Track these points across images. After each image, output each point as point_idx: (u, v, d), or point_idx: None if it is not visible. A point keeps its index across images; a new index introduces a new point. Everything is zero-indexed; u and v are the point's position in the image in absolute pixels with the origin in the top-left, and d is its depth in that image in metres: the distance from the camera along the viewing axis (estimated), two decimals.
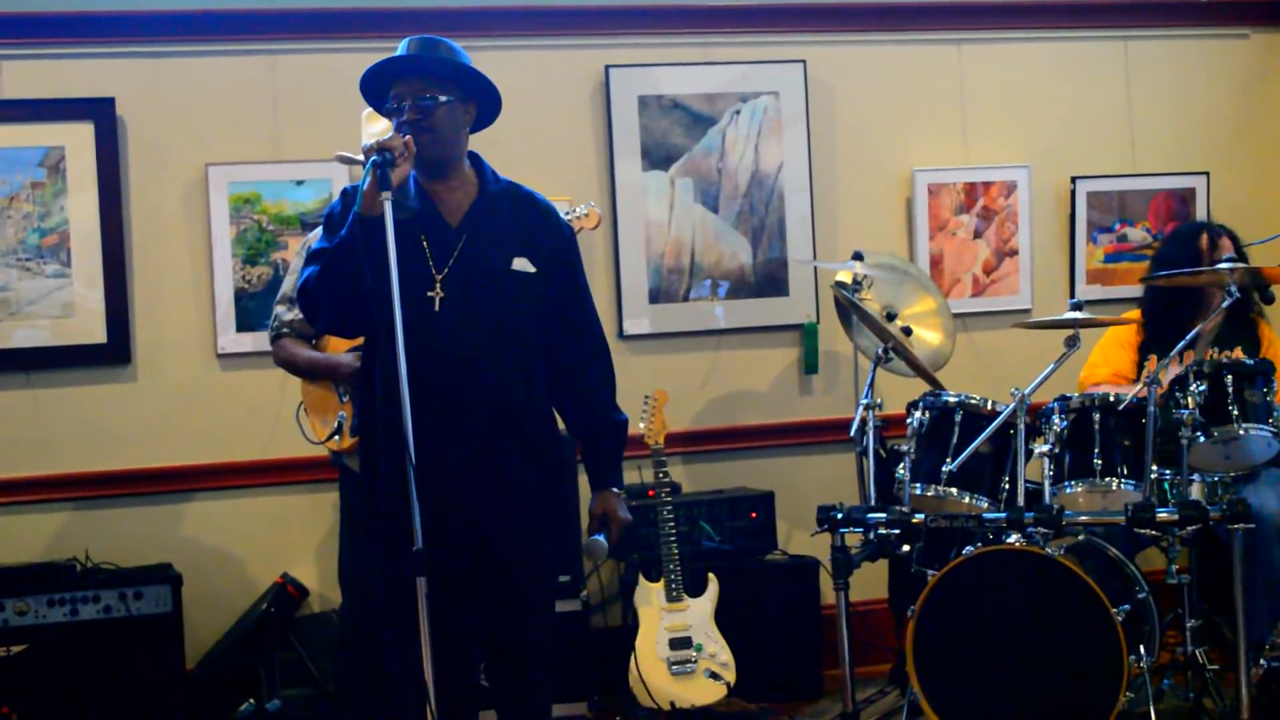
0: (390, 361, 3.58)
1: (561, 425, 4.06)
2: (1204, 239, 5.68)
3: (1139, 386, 5.00)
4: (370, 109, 4.79)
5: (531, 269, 3.86)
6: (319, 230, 4.87)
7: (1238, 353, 5.43)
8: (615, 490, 4.05)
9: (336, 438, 4.70)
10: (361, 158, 4.76)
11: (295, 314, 4.81)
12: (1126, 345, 5.75)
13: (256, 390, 5.78)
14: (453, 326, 3.78)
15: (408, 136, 3.71)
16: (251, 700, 5.49)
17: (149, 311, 5.84)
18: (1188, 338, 5.09)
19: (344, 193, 3.91)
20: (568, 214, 5.23)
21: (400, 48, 3.86)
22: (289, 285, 4.87)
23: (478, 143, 3.99)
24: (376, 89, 3.88)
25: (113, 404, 5.81)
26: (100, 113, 5.76)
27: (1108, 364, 5.72)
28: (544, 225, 3.95)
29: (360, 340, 4.52)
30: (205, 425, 5.86)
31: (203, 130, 5.87)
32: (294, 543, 5.88)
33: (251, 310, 5.81)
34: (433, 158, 3.81)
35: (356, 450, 4.62)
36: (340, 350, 4.78)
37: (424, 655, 3.57)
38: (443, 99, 3.79)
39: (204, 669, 5.65)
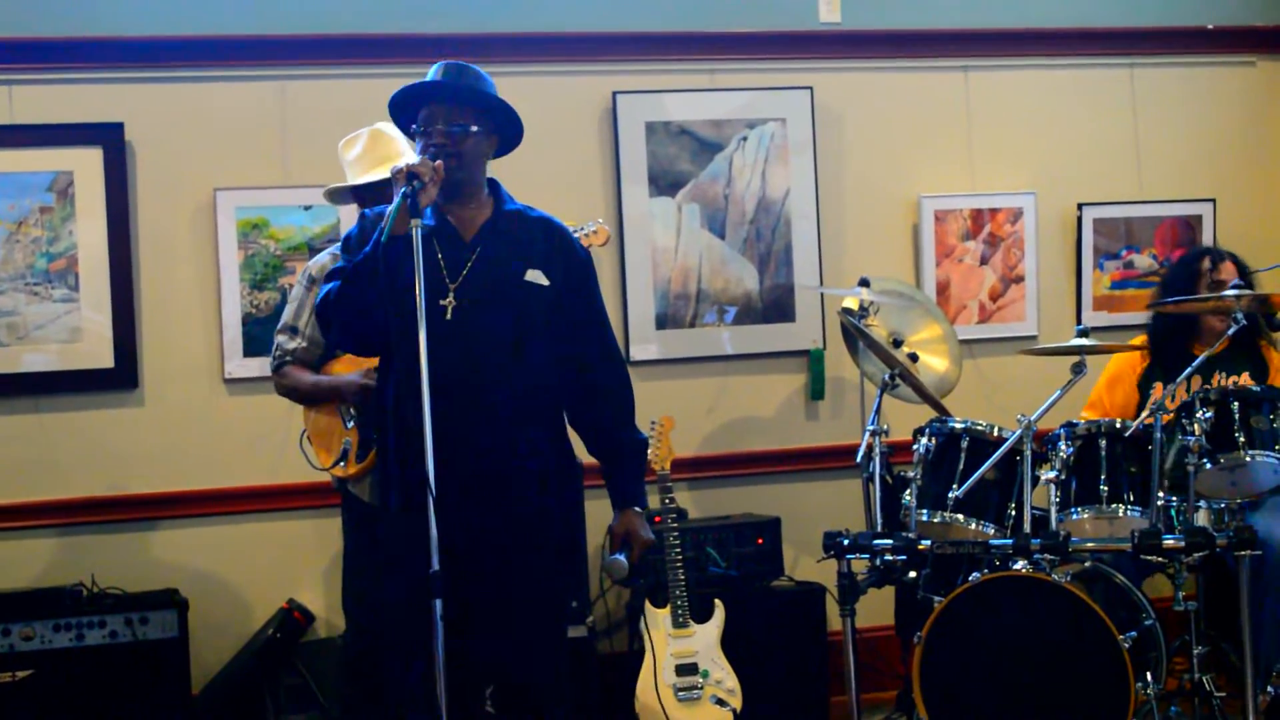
0: (405, 378, 3.60)
1: (578, 446, 4.08)
2: (1205, 262, 5.72)
3: (1145, 414, 5.00)
4: (346, 138, 4.85)
5: (545, 281, 3.90)
6: (319, 258, 4.92)
7: (1244, 378, 5.45)
8: (637, 510, 4.06)
9: (342, 464, 4.70)
10: (350, 185, 4.82)
11: (297, 342, 4.82)
12: (1125, 379, 5.75)
13: (263, 415, 5.78)
14: (464, 334, 3.81)
15: (437, 162, 3.74)
16: None
17: (156, 336, 5.85)
18: (1194, 364, 5.09)
19: (363, 215, 3.98)
20: (576, 232, 5.24)
21: (432, 72, 3.91)
22: (289, 314, 4.88)
23: (490, 167, 4.02)
24: (404, 111, 3.91)
25: (119, 429, 5.81)
26: (109, 137, 5.77)
27: (1109, 397, 5.72)
28: (559, 245, 4.00)
29: (365, 363, 4.54)
30: (212, 450, 5.87)
31: (211, 155, 5.89)
32: (300, 568, 5.88)
33: (259, 335, 5.81)
34: (456, 182, 3.85)
35: (360, 477, 4.65)
36: (344, 373, 4.79)
37: (439, 678, 3.56)
38: (473, 128, 3.85)
39: (210, 694, 5.64)
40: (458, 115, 3.84)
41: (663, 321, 6.22)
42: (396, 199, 3.67)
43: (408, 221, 3.65)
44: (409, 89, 3.88)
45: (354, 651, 4.84)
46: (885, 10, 6.46)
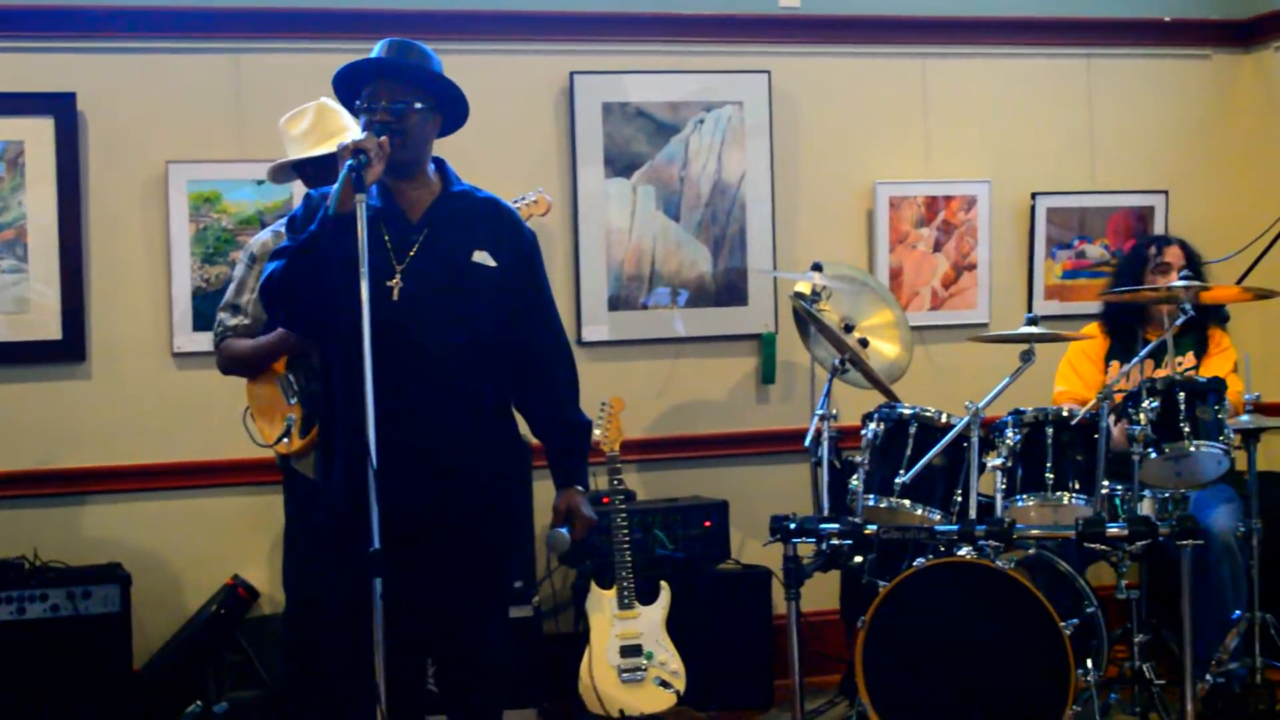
0: (353, 358, 3.59)
1: (524, 429, 4.07)
2: (1151, 248, 5.81)
3: (1092, 403, 5.02)
4: (287, 116, 4.81)
5: (492, 263, 3.89)
6: (262, 235, 4.90)
7: (1189, 359, 5.51)
8: (580, 489, 4.06)
9: (285, 440, 4.68)
10: (293, 160, 4.79)
11: (239, 319, 4.79)
12: (1091, 357, 5.82)
13: (212, 390, 5.70)
14: (411, 316, 3.80)
15: (382, 137, 3.73)
16: (199, 702, 5.47)
17: (105, 309, 5.81)
18: (1144, 351, 5.13)
19: (308, 196, 3.96)
20: (516, 201, 5.24)
21: (376, 49, 3.89)
22: (231, 291, 4.85)
23: (442, 146, 4.01)
24: (348, 88, 3.89)
25: (66, 401, 5.77)
26: (61, 108, 5.73)
27: (1079, 378, 5.78)
28: (506, 226, 3.98)
29: None
30: (159, 425, 5.84)
31: (164, 127, 5.85)
32: (245, 544, 5.84)
33: (209, 310, 5.71)
34: (401, 161, 3.83)
35: (304, 453, 4.63)
36: None
37: (377, 657, 3.55)
38: (417, 105, 3.83)
39: (152, 670, 5.62)
40: (401, 92, 3.82)
41: (615, 303, 6.22)
42: (342, 174, 3.64)
43: (353, 197, 3.62)
44: (352, 66, 3.86)
45: (293, 628, 4.82)
46: None
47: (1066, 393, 5.76)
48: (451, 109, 3.94)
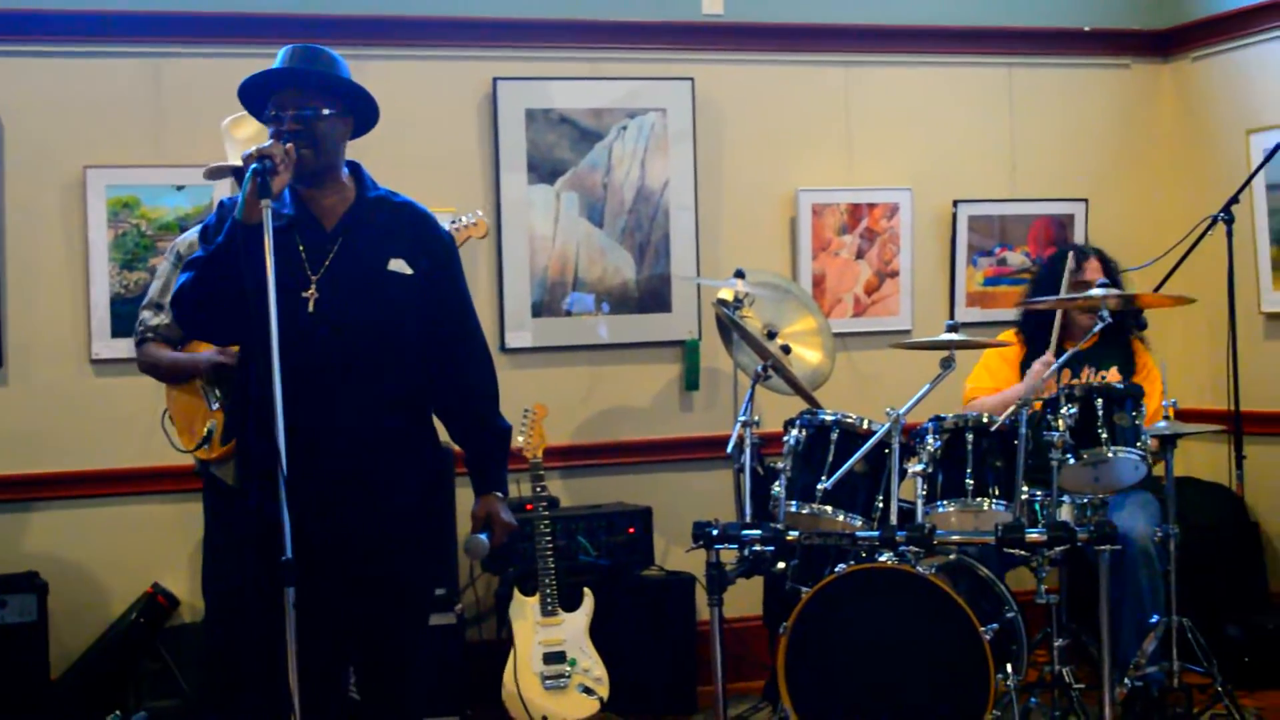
0: (264, 367, 3.55)
1: (444, 435, 4.05)
2: (1070, 258, 5.81)
3: (1011, 409, 5.05)
4: (231, 118, 4.77)
5: (409, 270, 3.85)
6: (188, 235, 4.85)
7: (1114, 374, 5.55)
8: (499, 495, 4.03)
9: (206, 447, 4.64)
10: (232, 164, 4.75)
11: (161, 319, 4.75)
12: (1009, 361, 5.84)
13: (131, 397, 5.68)
14: (327, 327, 3.76)
15: (289, 144, 3.69)
16: (118, 711, 5.43)
17: (22, 314, 5.74)
18: (1063, 358, 5.18)
19: (221, 204, 3.91)
20: (454, 223, 5.22)
21: (280, 57, 3.84)
22: (155, 290, 4.82)
23: (364, 152, 3.99)
24: (256, 98, 3.85)
25: None
26: None
27: (992, 378, 5.80)
28: (423, 231, 3.94)
29: None
30: (77, 431, 5.78)
31: (82, 132, 5.79)
32: (165, 552, 5.79)
33: (128, 316, 5.68)
34: (312, 169, 3.78)
35: (224, 460, 4.59)
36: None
37: (290, 666, 3.53)
38: (325, 111, 3.79)
39: (69, 679, 5.56)
40: (308, 99, 3.77)
41: (538, 309, 6.21)
42: (245, 181, 3.60)
43: (258, 204, 3.58)
44: (255, 78, 3.82)
45: (212, 636, 4.79)
46: (768, 3, 6.49)
47: (978, 388, 5.79)
48: (361, 112, 3.90)
